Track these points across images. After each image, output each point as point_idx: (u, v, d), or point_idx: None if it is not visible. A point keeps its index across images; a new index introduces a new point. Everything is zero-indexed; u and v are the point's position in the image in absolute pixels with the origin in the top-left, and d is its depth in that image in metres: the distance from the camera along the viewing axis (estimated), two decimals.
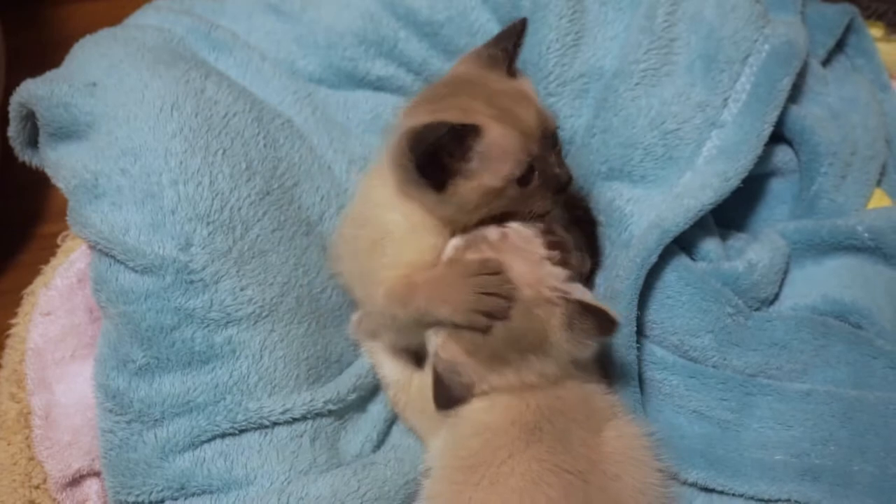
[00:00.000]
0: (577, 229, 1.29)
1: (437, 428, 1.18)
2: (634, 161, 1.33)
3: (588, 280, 1.29)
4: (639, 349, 1.24)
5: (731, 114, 1.32)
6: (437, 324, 1.12)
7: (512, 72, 1.21)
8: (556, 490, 1.04)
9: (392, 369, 1.29)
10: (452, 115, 1.09)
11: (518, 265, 1.10)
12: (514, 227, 1.15)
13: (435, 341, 1.13)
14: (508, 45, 1.20)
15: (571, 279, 1.13)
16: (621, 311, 1.20)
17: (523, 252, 1.12)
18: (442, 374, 1.11)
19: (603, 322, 1.08)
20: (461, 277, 1.10)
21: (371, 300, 1.19)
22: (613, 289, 1.23)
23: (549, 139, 1.16)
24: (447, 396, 1.12)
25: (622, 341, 1.22)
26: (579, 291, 1.11)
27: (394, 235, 1.16)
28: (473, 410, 1.12)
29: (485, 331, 1.09)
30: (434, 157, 1.08)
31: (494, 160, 1.10)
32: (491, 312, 1.08)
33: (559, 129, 1.39)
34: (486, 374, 1.11)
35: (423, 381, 1.22)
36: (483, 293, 1.08)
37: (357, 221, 1.23)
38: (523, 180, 1.13)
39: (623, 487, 1.08)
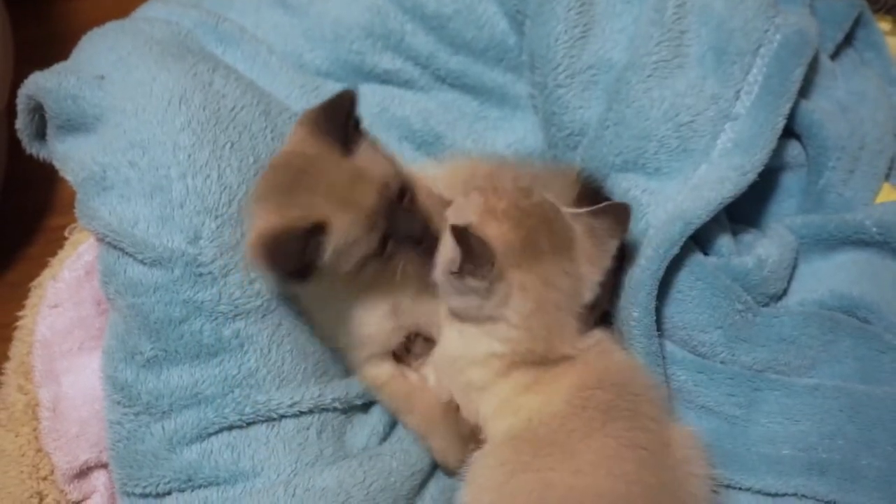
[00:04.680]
0: None
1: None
2: (649, 153, 1.33)
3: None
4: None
5: (745, 106, 1.32)
6: None
7: (348, 149, 1.13)
8: (630, 464, 1.05)
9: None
10: (298, 213, 1.08)
11: None
12: None
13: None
14: (341, 120, 1.13)
15: None
16: (641, 300, 1.21)
17: None
18: (468, 237, 1.07)
19: (619, 214, 1.16)
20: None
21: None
22: (633, 278, 1.23)
23: (395, 199, 1.14)
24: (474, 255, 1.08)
25: (643, 332, 1.22)
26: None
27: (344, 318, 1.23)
28: (530, 409, 1.13)
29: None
30: (289, 260, 1.07)
31: (345, 247, 1.10)
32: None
33: (569, 121, 1.40)
34: (517, 264, 1.10)
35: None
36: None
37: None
38: (379, 250, 1.13)
39: (689, 471, 1.10)
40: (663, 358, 1.25)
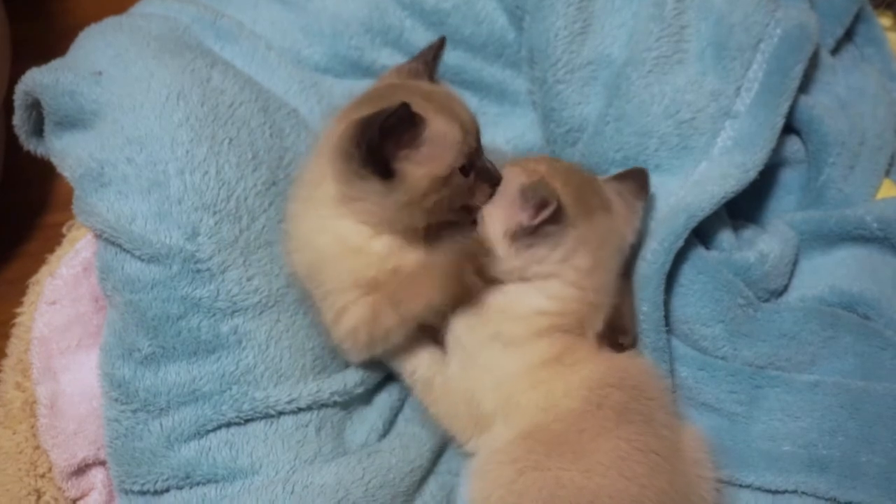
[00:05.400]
0: None
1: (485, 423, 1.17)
2: (649, 150, 1.34)
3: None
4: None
5: (745, 104, 1.32)
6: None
7: (434, 81, 1.25)
8: (642, 467, 1.05)
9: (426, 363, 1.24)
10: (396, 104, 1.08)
11: None
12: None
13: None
14: (428, 58, 1.25)
15: None
16: (650, 295, 1.22)
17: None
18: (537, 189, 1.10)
19: (639, 177, 1.25)
20: (444, 256, 1.14)
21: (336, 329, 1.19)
22: (640, 273, 1.23)
23: (479, 138, 1.18)
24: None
25: (652, 327, 1.23)
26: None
27: (328, 258, 1.16)
28: (548, 398, 1.12)
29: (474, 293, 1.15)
30: (381, 143, 1.07)
31: (440, 148, 1.10)
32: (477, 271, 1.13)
33: (569, 117, 1.40)
34: (575, 217, 1.13)
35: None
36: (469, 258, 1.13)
37: (294, 247, 1.21)
38: (465, 170, 1.13)
39: (700, 474, 1.11)
40: (670, 353, 1.25)
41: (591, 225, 1.15)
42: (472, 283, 1.13)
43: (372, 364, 1.29)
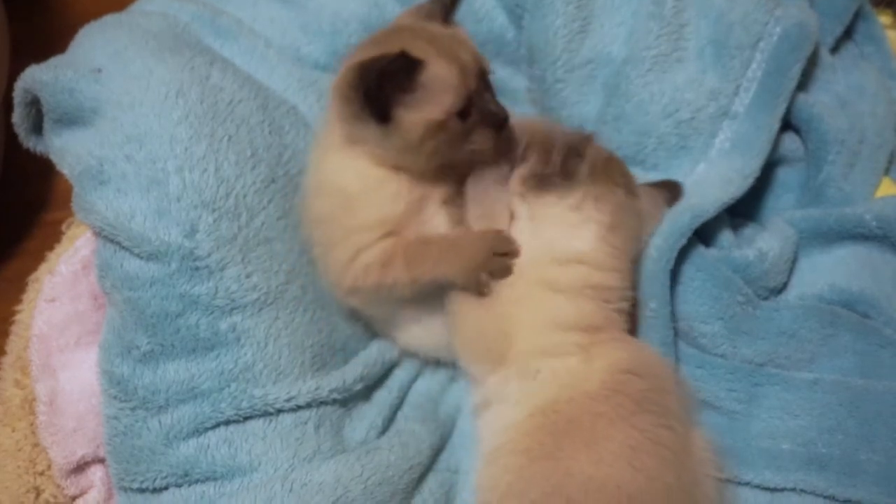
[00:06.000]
0: None
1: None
2: (648, 149, 1.35)
3: None
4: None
5: (743, 104, 1.33)
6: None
7: (448, 23, 1.25)
8: (653, 460, 1.06)
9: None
10: (398, 48, 1.09)
11: None
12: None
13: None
14: (446, 0, 1.27)
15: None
16: (657, 292, 1.23)
17: None
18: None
19: (673, 189, 1.30)
20: (473, 241, 1.18)
21: (346, 269, 1.20)
22: (647, 270, 1.24)
23: (485, 79, 1.18)
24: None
25: (662, 322, 1.23)
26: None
27: (353, 196, 1.18)
28: (570, 373, 1.12)
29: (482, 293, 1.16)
30: (379, 89, 1.08)
31: (437, 92, 1.11)
32: (497, 271, 1.16)
33: (568, 116, 1.40)
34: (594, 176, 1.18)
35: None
36: (495, 254, 1.16)
37: (314, 191, 1.23)
38: (463, 114, 1.14)
39: (706, 473, 1.11)
40: (676, 348, 1.26)
41: (610, 191, 1.17)
42: (484, 280, 1.16)
43: (371, 360, 1.30)
